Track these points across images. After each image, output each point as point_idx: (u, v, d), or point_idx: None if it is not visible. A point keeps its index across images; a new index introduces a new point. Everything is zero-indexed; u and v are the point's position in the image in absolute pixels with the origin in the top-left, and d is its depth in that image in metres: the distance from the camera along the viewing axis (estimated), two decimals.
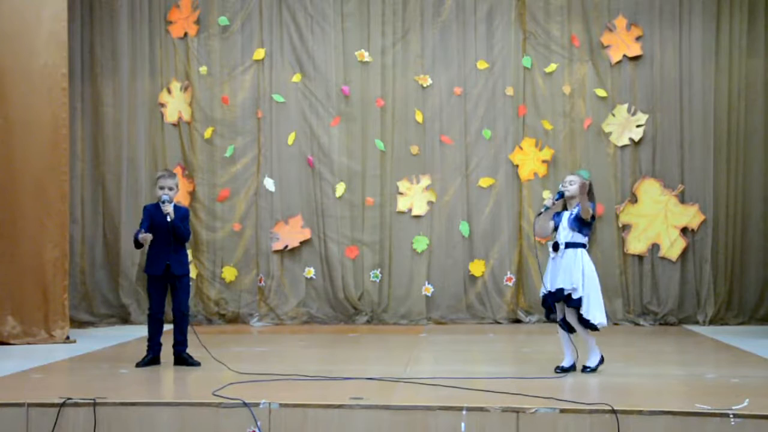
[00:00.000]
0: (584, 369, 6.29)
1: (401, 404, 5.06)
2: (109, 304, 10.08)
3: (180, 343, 6.76)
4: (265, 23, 10.15)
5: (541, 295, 6.44)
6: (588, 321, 6.19)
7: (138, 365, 6.65)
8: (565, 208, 6.40)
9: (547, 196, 9.78)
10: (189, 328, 6.75)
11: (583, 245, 6.27)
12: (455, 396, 5.30)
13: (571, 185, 6.31)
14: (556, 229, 6.37)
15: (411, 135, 10.06)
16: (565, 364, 6.33)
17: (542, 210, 6.33)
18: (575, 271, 6.18)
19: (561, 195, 6.35)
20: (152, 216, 6.71)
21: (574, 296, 6.19)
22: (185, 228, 6.76)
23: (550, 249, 6.33)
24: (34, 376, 6.39)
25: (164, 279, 6.73)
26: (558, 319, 6.40)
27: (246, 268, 10.09)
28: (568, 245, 6.26)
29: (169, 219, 6.57)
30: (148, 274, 6.83)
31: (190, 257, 9.84)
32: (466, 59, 10.04)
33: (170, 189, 6.68)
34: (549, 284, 6.29)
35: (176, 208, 6.72)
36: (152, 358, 6.73)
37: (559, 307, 6.34)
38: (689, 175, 9.77)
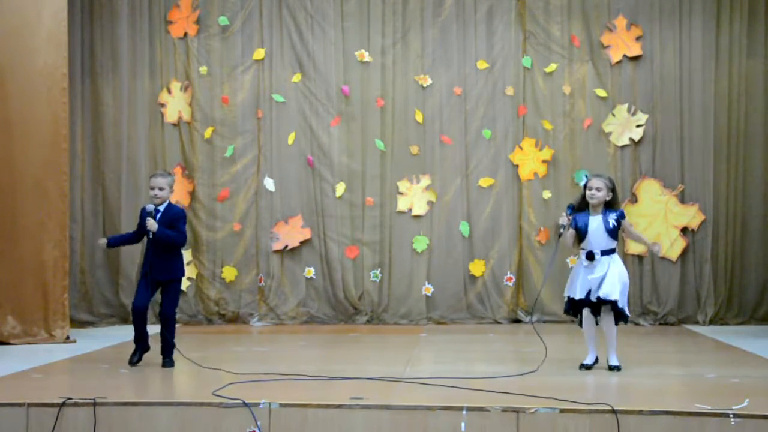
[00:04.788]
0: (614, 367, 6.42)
1: (401, 404, 5.07)
2: (109, 304, 10.07)
3: (163, 348, 6.76)
4: (265, 23, 10.15)
5: (569, 298, 6.45)
6: (622, 314, 6.32)
7: (131, 362, 6.68)
8: (582, 209, 6.39)
9: (547, 193, 9.82)
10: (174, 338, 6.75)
11: (614, 250, 6.38)
12: (455, 396, 5.31)
13: (599, 192, 6.30)
14: (570, 217, 6.35)
15: (411, 135, 10.06)
16: (589, 361, 6.45)
17: (561, 231, 6.31)
18: (617, 279, 6.25)
19: (572, 209, 6.37)
20: (141, 218, 6.78)
21: (620, 304, 6.29)
22: (174, 234, 6.67)
23: (583, 258, 6.32)
24: (34, 376, 6.39)
25: (150, 279, 6.69)
26: (584, 320, 6.42)
27: (246, 268, 10.09)
28: (603, 252, 6.29)
29: (150, 235, 6.59)
30: None
31: (189, 257, 9.96)
32: (466, 59, 10.04)
33: (161, 189, 6.67)
34: (579, 292, 6.30)
35: (169, 207, 6.73)
36: (139, 350, 6.74)
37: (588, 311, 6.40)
38: (689, 175, 9.77)
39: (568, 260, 9.76)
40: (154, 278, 6.66)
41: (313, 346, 8.36)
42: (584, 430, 4.84)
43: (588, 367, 6.41)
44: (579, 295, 6.31)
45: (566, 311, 6.58)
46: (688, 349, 8.06)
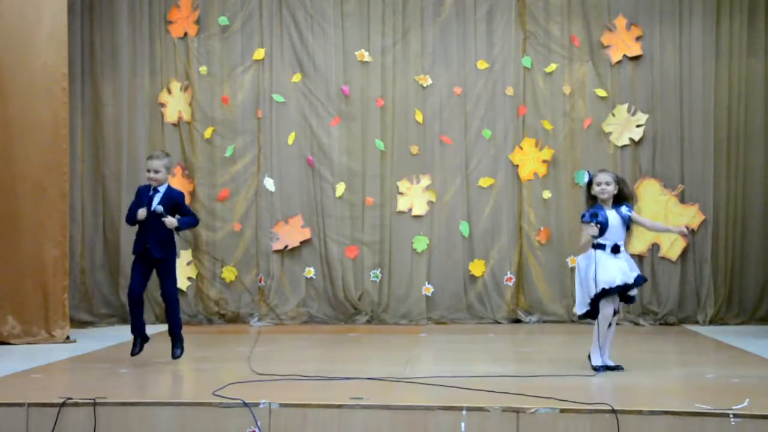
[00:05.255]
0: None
1: (401, 404, 5.07)
2: (109, 304, 10.07)
3: (170, 331, 6.83)
4: (265, 23, 10.15)
5: (603, 289, 6.25)
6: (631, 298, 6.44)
7: (132, 354, 6.70)
8: (594, 201, 6.39)
9: (547, 193, 9.82)
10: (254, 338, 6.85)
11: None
12: (455, 396, 5.30)
13: (608, 186, 6.32)
14: (599, 225, 6.26)
15: (411, 135, 10.06)
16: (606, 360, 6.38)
17: (595, 242, 6.24)
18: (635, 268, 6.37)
19: (593, 218, 6.25)
20: (139, 198, 6.75)
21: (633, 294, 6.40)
22: (191, 219, 6.85)
23: (608, 251, 6.26)
24: (34, 376, 6.39)
25: (145, 260, 6.73)
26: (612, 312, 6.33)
27: (246, 268, 10.09)
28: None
29: (173, 227, 6.65)
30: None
31: (189, 257, 9.97)
32: (466, 59, 10.04)
33: (156, 171, 6.66)
34: (621, 278, 6.22)
35: (169, 189, 6.76)
36: (138, 340, 6.72)
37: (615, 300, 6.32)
38: (689, 175, 9.76)
39: (567, 260, 9.77)
40: (152, 256, 6.68)
41: (313, 346, 8.36)
42: (584, 430, 4.84)
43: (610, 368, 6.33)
44: (622, 280, 6.20)
45: (588, 310, 6.39)
46: (688, 349, 8.06)
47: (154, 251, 6.67)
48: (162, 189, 6.72)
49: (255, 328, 9.68)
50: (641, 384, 5.96)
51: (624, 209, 6.36)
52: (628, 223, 6.37)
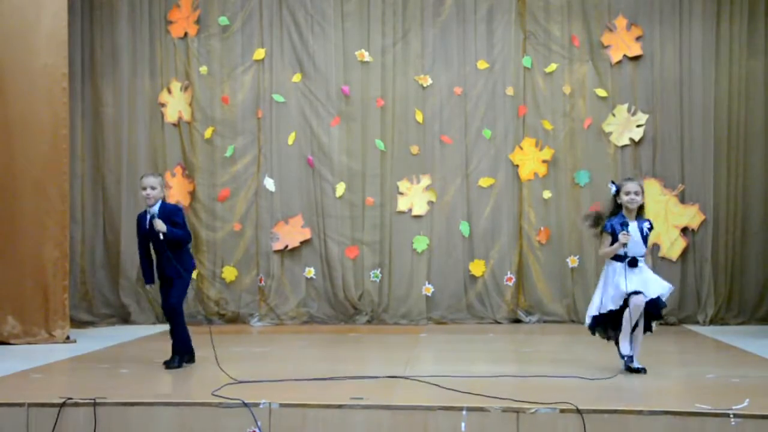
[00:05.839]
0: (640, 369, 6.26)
1: (401, 404, 5.07)
2: (109, 304, 10.08)
3: (172, 347, 6.76)
4: (265, 23, 10.16)
5: (606, 310, 6.25)
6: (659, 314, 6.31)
7: (168, 366, 6.61)
8: (617, 210, 6.26)
9: (547, 193, 9.82)
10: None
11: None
12: (455, 396, 5.30)
13: (637, 196, 6.19)
14: (614, 234, 6.18)
15: (411, 135, 10.06)
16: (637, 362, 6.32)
17: (626, 251, 6.15)
18: (659, 281, 6.27)
19: (626, 227, 6.15)
20: (139, 225, 6.73)
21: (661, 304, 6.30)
22: (181, 233, 6.66)
23: (625, 264, 6.17)
24: (34, 376, 6.39)
25: (165, 281, 6.75)
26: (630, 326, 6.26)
27: (246, 268, 10.09)
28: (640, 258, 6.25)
29: (161, 236, 6.55)
30: None
31: None
32: (466, 59, 10.04)
33: (152, 188, 6.63)
34: (614, 303, 6.18)
35: (163, 205, 6.69)
36: (176, 357, 6.67)
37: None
38: (689, 175, 9.76)
39: (568, 260, 9.77)
40: (167, 276, 6.67)
41: (313, 346, 8.36)
42: (584, 430, 4.84)
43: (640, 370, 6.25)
44: (614, 306, 6.19)
45: (592, 327, 6.40)
46: (688, 349, 8.05)
47: (167, 270, 6.68)
48: (156, 207, 6.63)
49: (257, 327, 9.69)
50: (641, 384, 5.96)
51: (646, 226, 6.26)
52: (646, 239, 6.26)
